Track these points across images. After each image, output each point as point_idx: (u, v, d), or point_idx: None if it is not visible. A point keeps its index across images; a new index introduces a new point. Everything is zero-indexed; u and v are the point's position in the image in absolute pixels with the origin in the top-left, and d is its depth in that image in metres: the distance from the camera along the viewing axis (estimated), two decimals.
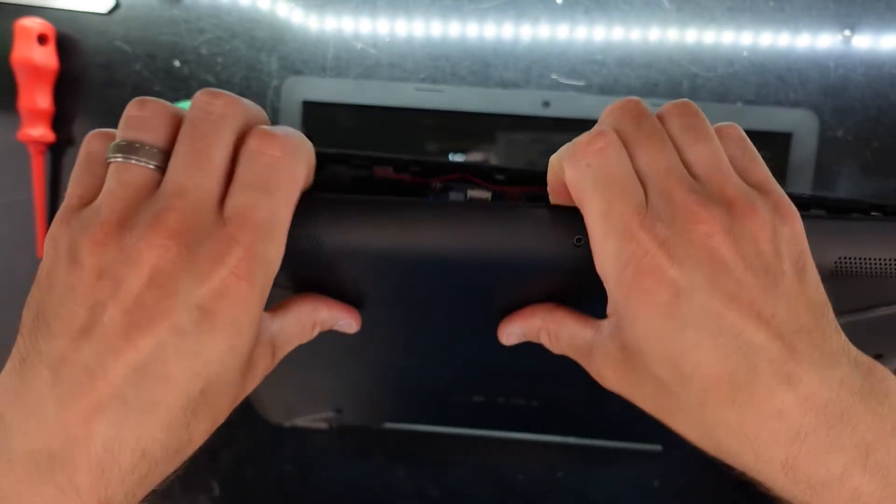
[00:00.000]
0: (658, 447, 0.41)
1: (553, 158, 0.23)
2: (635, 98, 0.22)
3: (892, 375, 0.20)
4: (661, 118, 0.22)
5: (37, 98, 0.43)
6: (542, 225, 0.21)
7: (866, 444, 0.19)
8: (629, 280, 0.19)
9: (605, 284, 0.21)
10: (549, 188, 0.24)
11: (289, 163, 0.20)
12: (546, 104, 0.38)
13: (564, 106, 0.39)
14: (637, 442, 0.41)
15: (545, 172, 0.23)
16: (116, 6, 0.45)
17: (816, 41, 0.44)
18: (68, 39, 0.45)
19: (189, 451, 0.21)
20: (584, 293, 0.22)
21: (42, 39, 0.43)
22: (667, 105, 0.23)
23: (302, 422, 0.41)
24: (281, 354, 0.25)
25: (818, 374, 0.19)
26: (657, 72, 0.44)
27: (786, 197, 0.21)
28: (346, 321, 0.27)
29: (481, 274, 0.23)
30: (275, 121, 0.44)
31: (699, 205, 0.19)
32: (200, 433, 0.21)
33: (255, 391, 0.27)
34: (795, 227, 0.20)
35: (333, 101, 0.39)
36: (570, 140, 0.22)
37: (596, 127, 0.21)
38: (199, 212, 0.19)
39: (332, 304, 0.26)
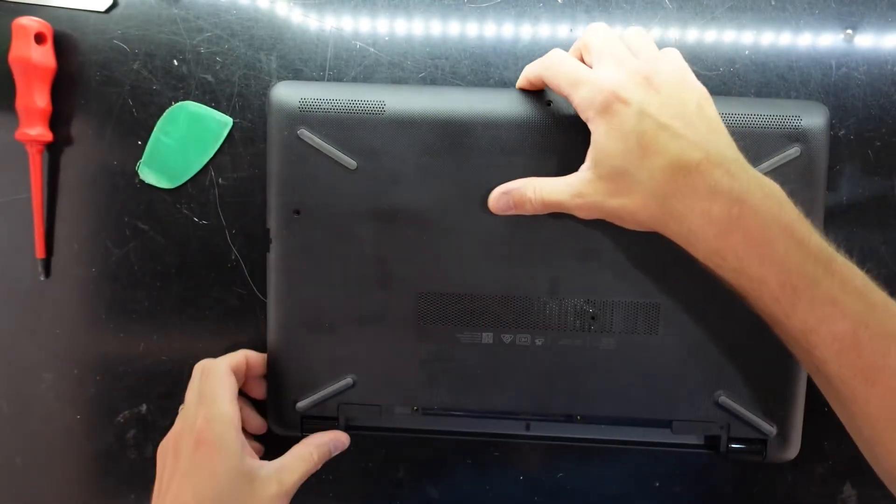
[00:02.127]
0: (668, 431, 0.41)
1: (532, 72, 0.38)
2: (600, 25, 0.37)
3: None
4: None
5: (34, 97, 0.43)
6: (526, 96, 0.39)
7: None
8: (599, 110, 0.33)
9: (586, 121, 0.34)
10: (519, 85, 0.39)
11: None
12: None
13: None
14: (646, 426, 0.42)
15: None
16: (114, 5, 0.44)
17: (818, 40, 0.44)
18: (66, 38, 0.45)
19: None
20: (553, 151, 0.38)
21: (39, 38, 0.43)
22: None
23: (317, 402, 0.41)
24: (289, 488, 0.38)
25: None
26: None
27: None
28: (340, 441, 0.41)
29: (489, 136, 0.38)
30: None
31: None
32: None
33: (272, 375, 0.41)
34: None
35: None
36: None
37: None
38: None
39: (324, 434, 0.41)
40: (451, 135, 0.39)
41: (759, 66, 0.44)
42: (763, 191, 0.31)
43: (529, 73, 0.38)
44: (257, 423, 0.43)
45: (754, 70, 0.44)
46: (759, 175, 0.32)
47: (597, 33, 0.36)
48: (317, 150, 0.39)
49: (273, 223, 0.40)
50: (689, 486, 0.46)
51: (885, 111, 0.44)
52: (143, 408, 0.47)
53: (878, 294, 0.31)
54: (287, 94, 0.39)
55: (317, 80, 0.44)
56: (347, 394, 0.41)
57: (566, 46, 0.44)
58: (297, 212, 0.39)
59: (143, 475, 0.47)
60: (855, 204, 0.44)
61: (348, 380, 0.41)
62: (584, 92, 0.34)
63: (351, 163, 0.39)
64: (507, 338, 0.40)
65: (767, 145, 0.38)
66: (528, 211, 0.37)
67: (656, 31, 0.44)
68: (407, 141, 0.39)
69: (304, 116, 0.39)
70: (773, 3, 0.44)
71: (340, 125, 0.39)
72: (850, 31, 0.44)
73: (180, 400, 0.45)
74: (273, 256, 0.40)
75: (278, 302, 0.40)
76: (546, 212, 0.36)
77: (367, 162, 0.39)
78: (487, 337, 0.40)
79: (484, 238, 0.38)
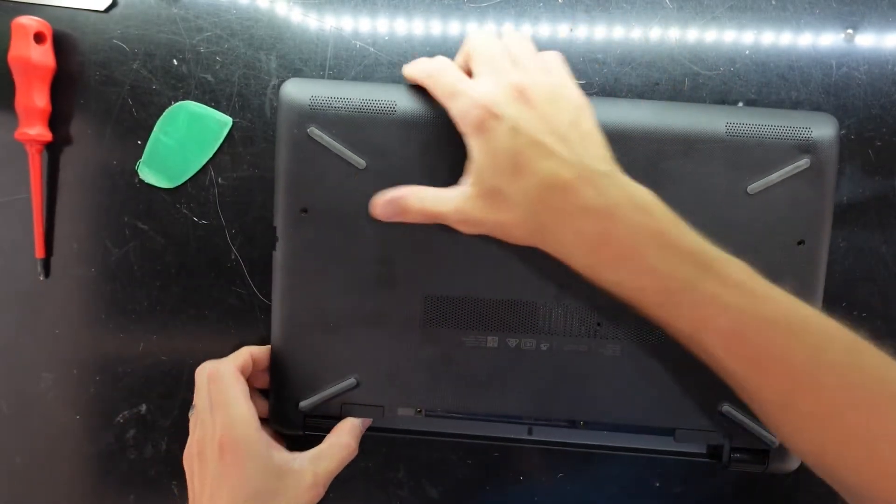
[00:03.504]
0: (670, 439, 0.41)
1: (413, 76, 0.38)
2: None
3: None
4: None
5: (34, 97, 0.43)
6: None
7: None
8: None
9: (462, 135, 0.34)
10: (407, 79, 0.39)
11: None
12: None
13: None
14: (649, 433, 0.42)
15: None
16: (114, 4, 0.44)
17: (819, 40, 0.44)
18: (65, 38, 0.45)
19: None
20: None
21: (39, 38, 0.43)
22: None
23: (319, 402, 0.41)
24: (324, 479, 0.38)
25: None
26: (658, 71, 0.44)
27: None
28: (367, 421, 0.41)
29: None
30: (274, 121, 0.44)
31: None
32: None
33: (276, 377, 0.42)
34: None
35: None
36: None
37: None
38: None
39: (354, 419, 0.41)
40: (461, 135, 0.38)
41: (759, 66, 0.44)
42: (633, 202, 0.32)
43: (412, 76, 0.38)
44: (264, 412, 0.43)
45: (755, 70, 0.44)
46: (631, 185, 0.33)
47: (478, 39, 0.36)
48: (326, 149, 0.38)
49: (280, 221, 0.40)
50: (689, 486, 0.46)
51: (886, 111, 0.44)
52: (143, 408, 0.47)
53: (759, 284, 0.32)
54: (297, 91, 0.39)
55: (317, 79, 0.44)
56: (351, 394, 0.41)
57: (566, 46, 0.44)
58: (305, 210, 0.39)
59: (143, 475, 0.47)
60: (855, 204, 0.44)
61: (352, 380, 0.41)
62: (459, 105, 0.34)
63: (360, 162, 0.38)
64: (512, 342, 0.40)
65: (778, 156, 0.38)
66: (412, 220, 0.37)
67: (656, 31, 0.44)
68: (417, 141, 0.38)
69: (314, 114, 0.38)
70: (773, 2, 0.44)
71: (351, 124, 0.39)
72: (850, 31, 0.44)
73: (180, 400, 0.45)
74: (279, 255, 0.40)
75: (283, 301, 0.40)
76: (430, 222, 0.36)
77: (377, 161, 0.39)
78: (492, 341, 0.40)
79: (492, 241, 0.38)
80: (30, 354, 0.47)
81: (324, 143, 0.38)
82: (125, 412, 0.47)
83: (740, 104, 0.44)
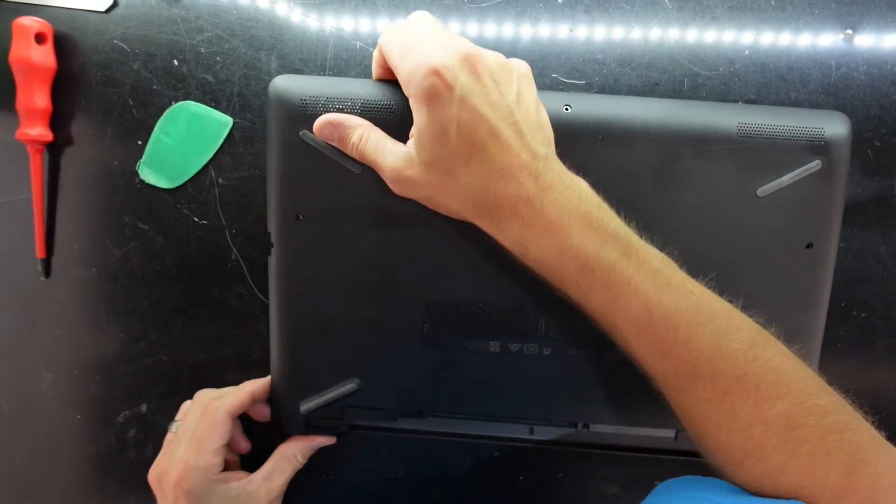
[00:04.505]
0: (671, 433, 0.41)
1: (383, 57, 0.35)
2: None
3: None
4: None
5: (35, 97, 0.43)
6: (545, 100, 0.36)
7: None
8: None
9: (408, 96, 0.33)
10: (376, 69, 0.37)
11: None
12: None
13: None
14: (650, 427, 0.42)
15: None
16: (115, 5, 0.44)
17: (818, 40, 0.44)
18: (66, 38, 0.45)
19: None
20: (570, 156, 0.35)
21: (40, 38, 0.43)
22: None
23: (320, 405, 0.41)
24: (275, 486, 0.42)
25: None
26: (658, 71, 0.44)
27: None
28: (323, 441, 0.44)
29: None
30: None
31: None
32: None
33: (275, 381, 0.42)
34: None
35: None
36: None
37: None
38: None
39: (308, 437, 0.43)
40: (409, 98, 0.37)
41: (758, 66, 0.44)
42: (564, 183, 0.33)
43: (381, 44, 0.36)
44: (243, 445, 0.45)
45: (754, 70, 0.44)
46: (564, 171, 0.34)
47: (418, 18, 0.34)
48: (320, 153, 0.37)
49: (274, 228, 0.39)
50: None
51: (885, 111, 0.44)
52: (143, 408, 0.47)
53: (674, 274, 0.33)
54: (287, 90, 0.37)
55: (308, 76, 0.44)
56: (352, 397, 0.41)
57: (566, 46, 0.44)
58: (299, 217, 0.38)
59: (143, 475, 0.47)
60: (855, 204, 0.44)
61: (352, 384, 0.40)
62: (409, 65, 0.32)
63: (356, 166, 0.37)
64: (514, 347, 0.40)
65: (789, 157, 0.38)
66: (347, 152, 0.36)
67: (656, 32, 0.44)
68: None
69: (307, 115, 0.37)
70: (772, 3, 0.44)
71: None
72: (849, 32, 0.44)
73: (180, 400, 0.45)
74: (274, 261, 0.39)
75: (281, 306, 0.40)
76: (363, 163, 0.36)
77: None
78: (495, 346, 0.40)
79: (493, 246, 0.37)
80: (30, 354, 0.47)
81: (317, 147, 0.37)
82: (125, 412, 0.47)
83: (739, 104, 0.44)
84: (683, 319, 0.32)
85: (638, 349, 0.33)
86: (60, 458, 0.48)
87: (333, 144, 0.36)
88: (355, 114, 0.37)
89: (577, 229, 0.32)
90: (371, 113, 0.37)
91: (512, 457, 0.46)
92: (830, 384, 0.33)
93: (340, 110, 0.37)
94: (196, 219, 0.45)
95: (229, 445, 0.41)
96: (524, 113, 0.33)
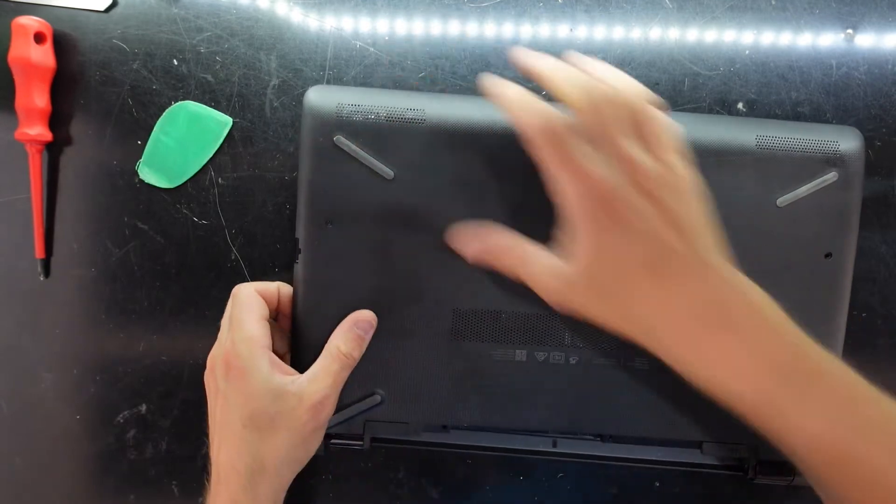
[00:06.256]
0: (697, 445, 0.41)
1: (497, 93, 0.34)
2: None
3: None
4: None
5: (34, 97, 0.43)
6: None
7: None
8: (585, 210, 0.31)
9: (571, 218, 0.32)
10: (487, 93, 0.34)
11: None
12: None
13: None
14: (676, 436, 0.41)
15: None
16: (114, 4, 0.44)
17: (818, 40, 0.44)
18: (65, 38, 0.45)
19: None
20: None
21: (39, 38, 0.43)
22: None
23: (342, 421, 0.40)
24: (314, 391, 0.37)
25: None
26: (658, 71, 0.44)
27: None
28: (367, 323, 0.39)
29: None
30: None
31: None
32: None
33: None
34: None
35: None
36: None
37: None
38: None
39: (348, 326, 0.38)
40: (493, 147, 0.37)
41: (759, 66, 0.44)
42: (745, 300, 0.31)
43: (525, 124, 0.32)
44: (279, 346, 0.41)
45: (755, 70, 0.44)
46: (743, 283, 0.32)
47: (579, 85, 0.31)
48: (352, 158, 0.37)
49: (302, 232, 0.38)
50: (688, 487, 0.46)
51: (886, 111, 0.44)
52: (143, 408, 0.47)
53: (857, 388, 0.31)
54: (322, 98, 0.38)
55: (317, 80, 0.44)
56: (375, 410, 0.40)
57: (566, 46, 0.44)
58: (330, 222, 0.38)
59: (143, 475, 0.47)
60: None
61: (376, 397, 0.40)
62: (576, 187, 0.31)
63: (388, 172, 0.37)
64: (540, 356, 0.39)
65: (807, 169, 0.38)
66: (499, 270, 0.35)
67: (656, 31, 0.44)
68: (447, 152, 0.37)
69: (341, 122, 0.37)
70: (773, 2, 0.44)
71: (378, 133, 0.37)
72: (850, 31, 0.44)
73: (180, 400, 0.45)
74: (301, 267, 0.39)
75: (305, 314, 0.39)
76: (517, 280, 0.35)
77: (405, 172, 0.37)
78: (521, 354, 0.39)
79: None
80: (30, 354, 0.47)
81: (350, 153, 0.37)
82: (125, 412, 0.47)
83: (740, 105, 0.44)
84: (863, 438, 0.30)
85: (809, 463, 0.31)
86: (60, 458, 0.48)
87: (485, 264, 0.36)
88: (385, 121, 0.37)
89: (759, 355, 0.30)
90: (402, 121, 0.37)
91: (512, 457, 0.46)
92: None
93: (375, 118, 0.37)
94: (196, 219, 0.45)
95: (274, 344, 0.38)
96: (694, 223, 0.32)
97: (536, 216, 0.36)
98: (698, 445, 0.40)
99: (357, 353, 0.38)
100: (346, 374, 0.38)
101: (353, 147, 0.37)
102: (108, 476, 0.48)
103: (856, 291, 0.45)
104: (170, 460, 0.47)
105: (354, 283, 0.38)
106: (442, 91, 0.44)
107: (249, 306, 0.38)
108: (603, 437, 0.41)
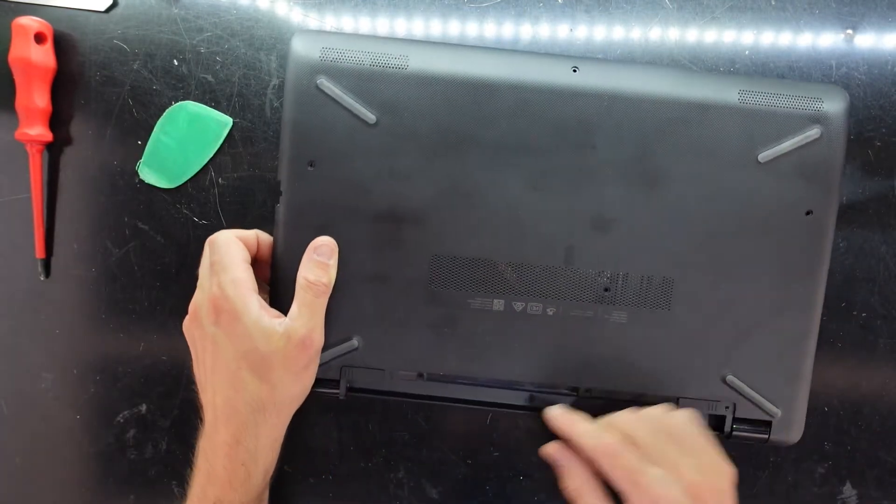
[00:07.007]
0: (674, 399, 0.41)
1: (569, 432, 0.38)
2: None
3: None
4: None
5: (34, 97, 0.43)
6: (553, 61, 0.39)
7: None
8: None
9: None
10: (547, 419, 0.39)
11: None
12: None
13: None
14: (654, 393, 0.41)
15: None
16: (114, 4, 0.44)
17: (818, 40, 0.44)
18: (66, 38, 0.45)
19: None
20: (579, 116, 0.38)
21: (39, 38, 0.43)
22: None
23: (320, 364, 0.39)
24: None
25: None
26: None
27: None
28: (328, 248, 0.39)
29: (514, 99, 0.38)
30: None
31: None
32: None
33: None
34: None
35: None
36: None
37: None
38: None
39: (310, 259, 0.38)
40: (476, 96, 0.38)
41: (759, 66, 0.44)
42: None
43: (586, 445, 0.37)
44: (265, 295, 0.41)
45: (754, 70, 0.44)
46: None
47: (644, 427, 0.36)
48: (335, 102, 0.38)
49: (284, 174, 0.38)
50: None
51: (885, 111, 0.44)
52: (143, 408, 0.47)
53: None
54: (308, 42, 0.38)
55: (328, 31, 0.44)
56: (351, 356, 0.40)
57: (566, 46, 0.44)
58: (311, 164, 0.38)
59: (143, 475, 0.47)
60: (855, 204, 0.44)
61: (353, 342, 0.40)
62: (640, 499, 0.34)
63: (370, 117, 0.38)
64: (518, 305, 0.39)
65: (789, 125, 0.38)
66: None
67: (656, 31, 0.44)
68: (429, 98, 0.38)
69: (325, 66, 0.38)
70: (773, 3, 0.44)
71: (361, 77, 0.38)
72: (850, 31, 0.44)
73: (180, 400, 0.45)
74: (282, 209, 0.39)
75: (285, 256, 0.39)
76: None
77: (387, 117, 0.38)
78: (498, 304, 0.39)
79: (502, 203, 0.38)
80: (30, 354, 0.47)
81: (333, 96, 0.38)
82: (125, 412, 0.47)
83: (741, 75, 0.44)
84: None
85: None
86: (60, 458, 0.48)
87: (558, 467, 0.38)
88: (368, 66, 0.38)
89: None
90: (385, 67, 0.38)
91: (512, 456, 0.46)
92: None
93: (358, 63, 0.38)
94: (196, 219, 0.45)
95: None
96: None
97: (514, 162, 0.38)
98: (675, 401, 0.40)
99: (326, 279, 0.38)
100: (322, 303, 0.38)
101: (336, 90, 0.38)
102: (108, 476, 0.48)
103: (856, 291, 0.45)
104: (170, 460, 0.47)
105: (334, 226, 0.39)
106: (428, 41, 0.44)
107: (231, 251, 0.37)
108: (579, 392, 0.41)
